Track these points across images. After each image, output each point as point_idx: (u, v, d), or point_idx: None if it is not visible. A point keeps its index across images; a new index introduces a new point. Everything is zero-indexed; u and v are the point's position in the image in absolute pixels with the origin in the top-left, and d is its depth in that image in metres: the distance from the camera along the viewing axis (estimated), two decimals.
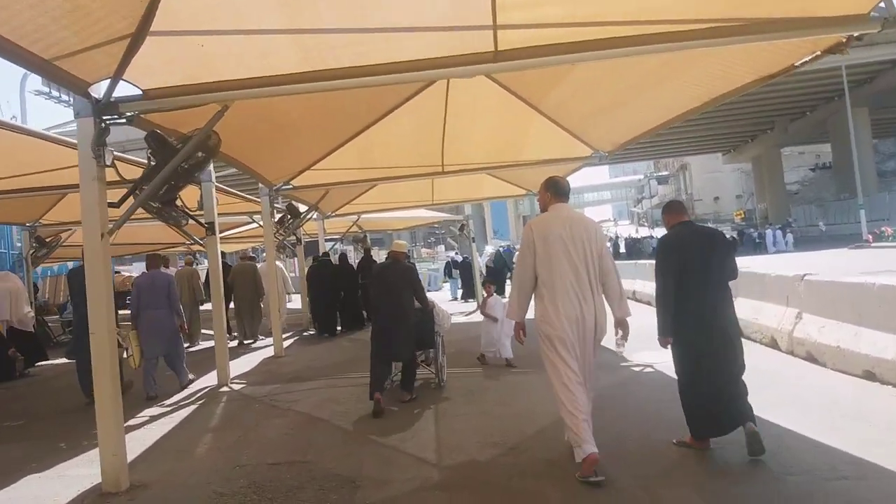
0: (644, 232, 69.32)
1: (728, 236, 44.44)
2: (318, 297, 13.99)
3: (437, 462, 5.03)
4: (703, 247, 4.80)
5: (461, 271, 21.96)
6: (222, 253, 12.03)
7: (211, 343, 10.32)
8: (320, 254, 15.32)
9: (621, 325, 4.83)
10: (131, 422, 7.15)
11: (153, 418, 7.24)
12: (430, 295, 9.06)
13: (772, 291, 9.19)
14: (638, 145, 57.68)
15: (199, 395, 8.49)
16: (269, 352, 11.61)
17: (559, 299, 4.59)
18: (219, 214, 13.16)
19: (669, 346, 4.89)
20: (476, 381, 7.98)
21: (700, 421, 4.79)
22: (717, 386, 4.68)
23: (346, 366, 9.96)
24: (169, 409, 7.72)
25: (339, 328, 14.19)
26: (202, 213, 9.16)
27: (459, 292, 22.30)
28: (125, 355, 8.23)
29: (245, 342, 13.51)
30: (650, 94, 7.46)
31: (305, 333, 14.64)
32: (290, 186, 10.92)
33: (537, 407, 6.46)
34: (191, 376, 9.22)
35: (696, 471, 4.49)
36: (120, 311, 6.37)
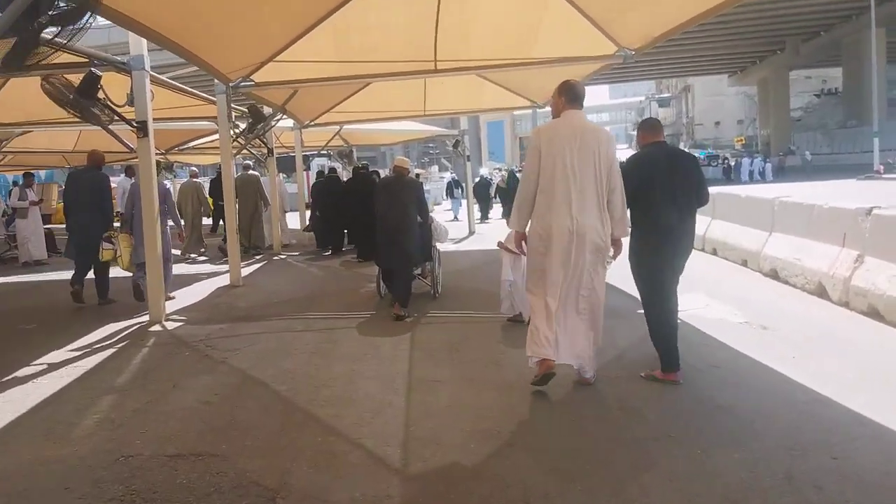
0: None
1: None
2: (325, 215, 13.47)
3: (401, 466, 3.51)
4: (671, 168, 4.68)
5: (477, 189, 20.69)
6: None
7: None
8: (326, 170, 14.89)
9: (616, 244, 4.58)
10: (24, 371, 5.63)
11: (48, 369, 5.71)
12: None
13: (822, 227, 7.62)
14: (640, 63, 55.36)
15: (122, 335, 6.96)
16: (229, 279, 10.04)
17: (555, 208, 4.34)
18: (175, 119, 11.58)
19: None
20: (459, 332, 6.46)
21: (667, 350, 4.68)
22: (673, 314, 4.71)
23: (310, 302, 8.43)
24: (76, 353, 6.20)
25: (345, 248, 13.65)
26: (133, 110, 7.44)
27: (461, 211, 20.87)
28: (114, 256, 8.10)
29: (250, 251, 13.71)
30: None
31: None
32: (251, 83, 9.04)
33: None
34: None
35: None
36: None
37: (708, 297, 7.38)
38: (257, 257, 13.38)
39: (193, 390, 4.94)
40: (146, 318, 7.55)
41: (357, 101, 12.58)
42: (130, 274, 8.32)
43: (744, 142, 69.72)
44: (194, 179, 14.66)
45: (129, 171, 8.97)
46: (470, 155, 17.06)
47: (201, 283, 10.25)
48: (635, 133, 5.15)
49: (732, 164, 46.53)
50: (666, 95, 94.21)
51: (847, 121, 51.67)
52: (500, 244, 6.66)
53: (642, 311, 4.86)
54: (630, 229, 4.70)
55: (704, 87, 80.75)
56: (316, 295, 8.90)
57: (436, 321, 7.05)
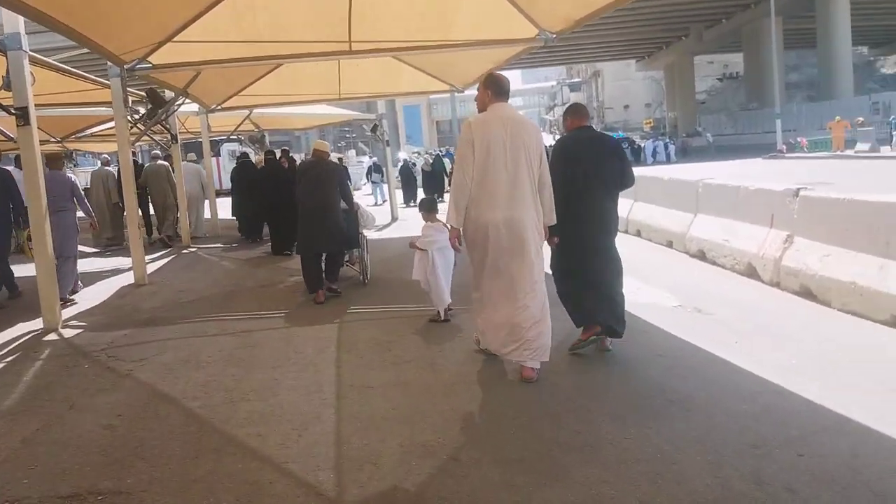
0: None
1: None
2: (243, 202, 13.18)
3: (335, 494, 3.10)
4: (597, 152, 4.81)
5: (402, 173, 20.05)
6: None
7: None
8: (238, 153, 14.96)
9: (547, 232, 4.63)
10: None
11: None
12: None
13: (749, 208, 7.64)
14: (552, 49, 56.11)
15: (10, 346, 6.20)
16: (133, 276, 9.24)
17: (491, 203, 4.36)
18: (69, 105, 10.58)
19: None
20: (389, 329, 6.06)
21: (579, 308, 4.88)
22: (593, 282, 4.80)
23: (224, 300, 7.84)
24: None
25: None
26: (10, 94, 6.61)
27: (382, 195, 20.30)
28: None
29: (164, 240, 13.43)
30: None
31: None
32: (149, 65, 8.25)
33: (482, 368, 4.69)
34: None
35: None
36: None
37: (638, 281, 7.27)
38: (166, 251, 12.52)
39: (93, 411, 4.35)
40: (40, 324, 6.77)
41: (267, 84, 11.85)
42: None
43: (652, 124, 71.85)
44: (106, 167, 13.89)
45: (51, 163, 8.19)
46: (389, 139, 16.56)
47: (105, 281, 9.41)
48: (561, 119, 5.37)
49: (641, 146, 47.63)
50: (577, 80, 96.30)
51: (749, 103, 53.95)
52: (412, 244, 6.24)
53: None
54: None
55: (613, 72, 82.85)
56: (230, 292, 8.28)
57: (364, 316, 6.64)
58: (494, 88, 4.55)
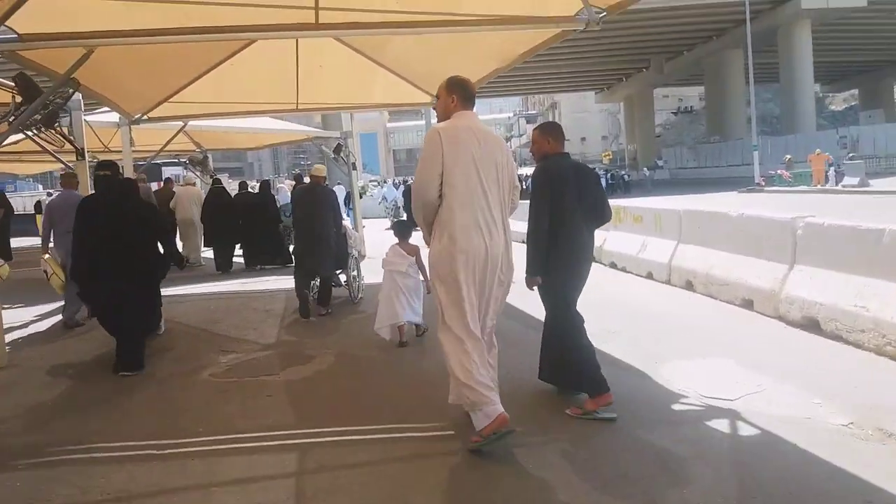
0: None
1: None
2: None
3: None
4: (581, 182, 4.41)
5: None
6: None
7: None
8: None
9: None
10: None
11: None
12: None
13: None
14: (511, 79, 54.69)
15: None
16: None
17: (467, 226, 3.74)
18: None
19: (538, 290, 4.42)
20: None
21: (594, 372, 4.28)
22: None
23: (108, 411, 4.93)
24: None
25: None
26: None
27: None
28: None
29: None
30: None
31: None
32: (13, 37, 5.44)
33: None
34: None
35: None
36: None
37: (747, 369, 4.96)
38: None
39: None
40: None
41: (205, 89, 9.19)
42: None
43: (611, 157, 71.23)
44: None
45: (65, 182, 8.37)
46: (355, 161, 13.88)
47: None
48: (537, 138, 4.57)
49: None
50: (533, 112, 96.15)
51: (710, 136, 53.31)
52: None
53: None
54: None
55: (570, 104, 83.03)
56: (130, 386, 5.42)
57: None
58: (461, 93, 4.00)
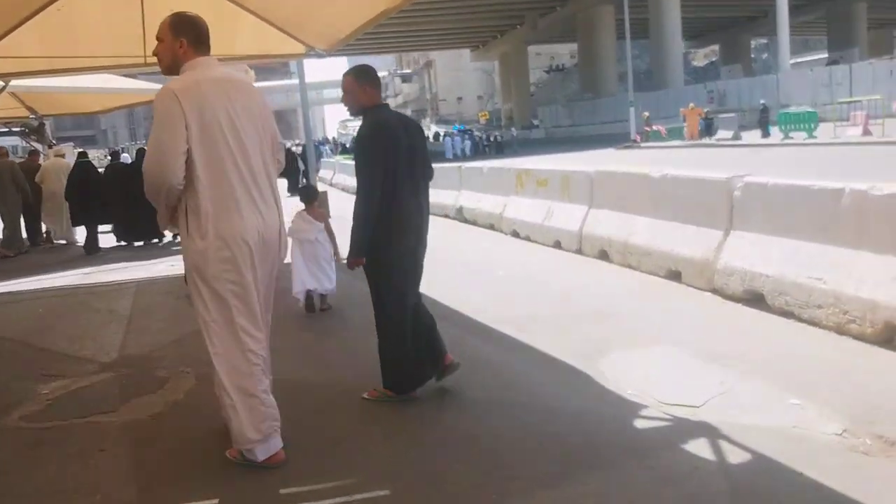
0: None
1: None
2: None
3: None
4: (409, 139, 3.84)
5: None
6: None
7: None
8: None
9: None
10: None
11: None
12: None
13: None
14: (385, 36, 53.03)
15: None
16: None
17: (235, 205, 3.02)
18: None
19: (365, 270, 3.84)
20: None
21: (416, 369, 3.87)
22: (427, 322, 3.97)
23: None
24: None
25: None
26: None
27: None
28: None
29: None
30: None
31: None
32: None
33: None
34: None
35: None
36: None
37: (716, 366, 4.13)
38: None
39: None
40: None
41: (29, 41, 7.67)
42: None
43: (488, 117, 71.30)
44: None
45: None
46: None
47: None
48: (351, 86, 3.79)
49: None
50: (408, 71, 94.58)
51: (583, 93, 54.08)
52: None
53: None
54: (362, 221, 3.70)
55: (446, 63, 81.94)
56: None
57: None
58: (192, 34, 3.15)
